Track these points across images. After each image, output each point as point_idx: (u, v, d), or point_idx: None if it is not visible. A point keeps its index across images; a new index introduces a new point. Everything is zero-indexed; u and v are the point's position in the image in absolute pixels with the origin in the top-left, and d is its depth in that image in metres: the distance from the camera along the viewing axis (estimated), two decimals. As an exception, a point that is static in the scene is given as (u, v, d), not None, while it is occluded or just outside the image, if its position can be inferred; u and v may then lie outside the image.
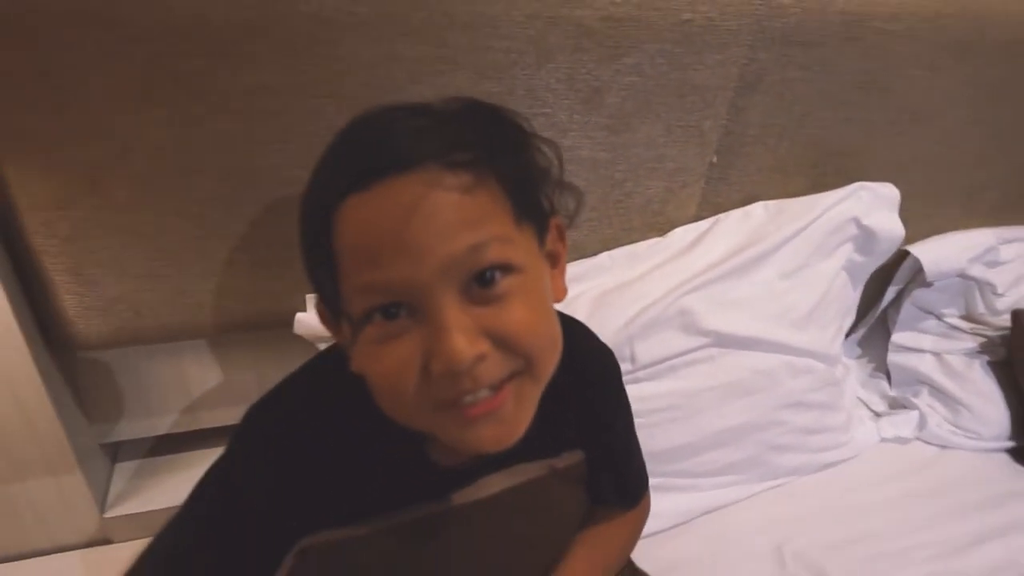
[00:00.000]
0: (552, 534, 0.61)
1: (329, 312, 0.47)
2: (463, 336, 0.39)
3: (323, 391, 0.52)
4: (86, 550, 0.83)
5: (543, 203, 0.49)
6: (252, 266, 0.72)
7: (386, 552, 0.52)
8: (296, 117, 0.64)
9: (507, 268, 0.42)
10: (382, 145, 0.41)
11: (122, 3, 0.56)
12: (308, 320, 0.73)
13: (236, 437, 0.51)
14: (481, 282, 0.41)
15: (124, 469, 0.89)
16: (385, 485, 0.51)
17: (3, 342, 0.66)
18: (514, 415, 0.44)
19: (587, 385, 0.59)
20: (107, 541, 0.84)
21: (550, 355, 0.45)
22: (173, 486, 0.87)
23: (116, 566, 0.49)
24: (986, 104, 0.94)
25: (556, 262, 0.51)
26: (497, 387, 0.42)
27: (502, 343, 0.41)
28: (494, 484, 0.54)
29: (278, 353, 0.83)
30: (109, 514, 0.83)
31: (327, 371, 0.53)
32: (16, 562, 0.80)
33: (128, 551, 0.51)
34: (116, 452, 0.91)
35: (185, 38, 0.58)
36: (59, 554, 0.82)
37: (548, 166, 0.49)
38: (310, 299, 0.75)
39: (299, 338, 0.77)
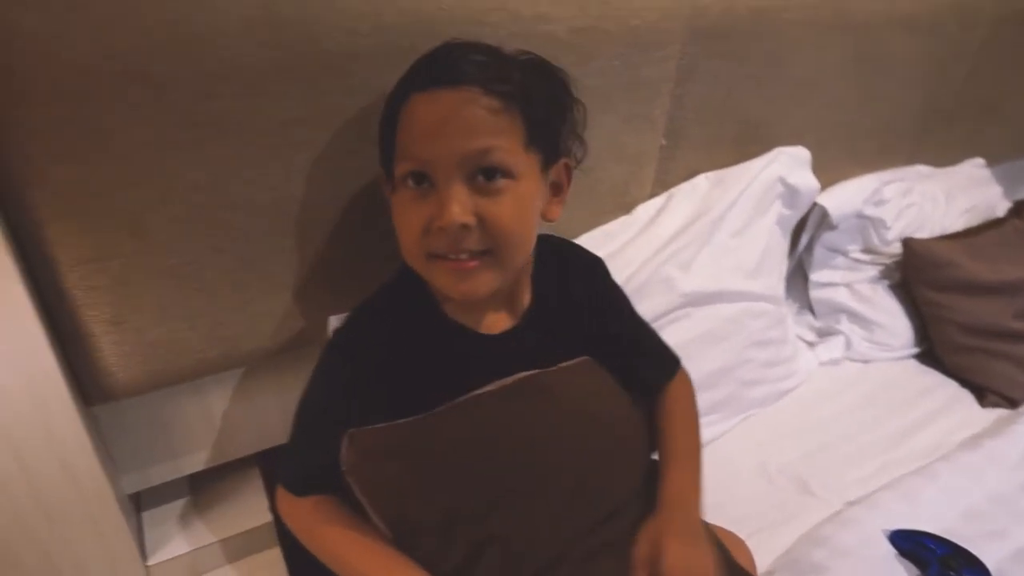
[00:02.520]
0: (590, 409, 0.69)
1: (387, 184, 0.64)
2: (458, 206, 0.55)
3: (389, 300, 0.68)
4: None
5: (557, 143, 0.63)
6: (281, 291, 0.76)
7: (430, 432, 0.62)
8: (324, 146, 0.69)
9: (507, 173, 0.57)
10: (444, 65, 0.57)
11: (157, 57, 0.59)
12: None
13: (333, 334, 0.68)
14: (486, 175, 0.56)
15: (152, 516, 0.89)
16: (433, 362, 0.65)
17: (49, 401, 0.66)
18: (477, 281, 0.59)
19: (588, 281, 0.74)
20: (151, 591, 0.84)
21: (517, 249, 0.60)
22: (204, 522, 0.89)
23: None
24: (858, 71, 1.14)
25: (558, 192, 0.67)
26: (472, 256, 0.58)
27: (484, 224, 0.57)
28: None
29: (299, 377, 0.87)
30: (152, 561, 0.83)
31: (388, 289, 0.69)
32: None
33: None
34: (139, 500, 0.90)
35: (218, 82, 0.61)
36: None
37: (571, 120, 0.66)
38: (332, 319, 0.80)
39: (316, 357, 0.81)
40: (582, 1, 0.78)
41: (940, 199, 1.35)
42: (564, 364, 0.67)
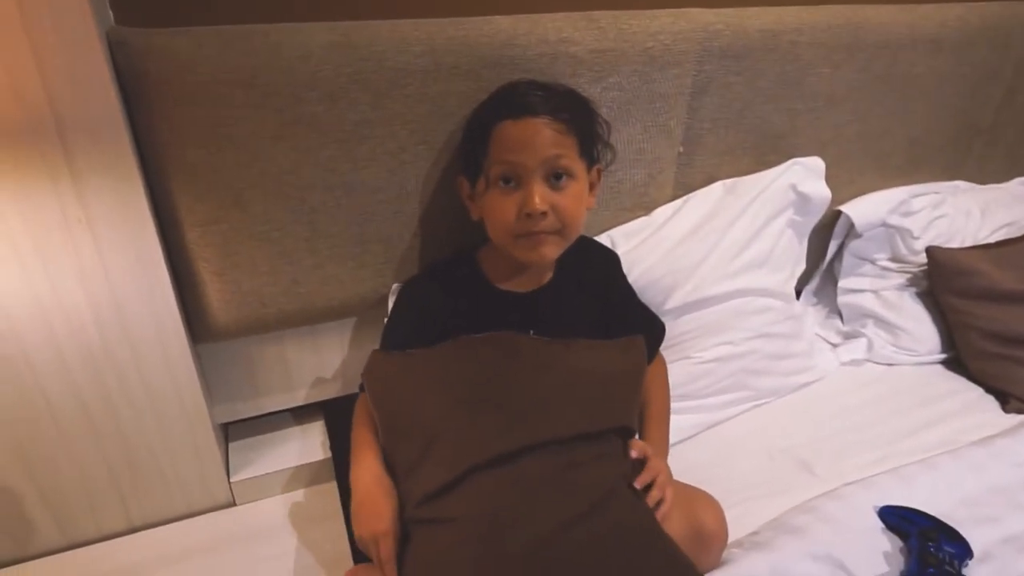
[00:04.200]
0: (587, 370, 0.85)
1: (470, 185, 0.87)
2: (540, 198, 0.80)
3: (445, 268, 0.94)
4: (217, 512, 1.02)
5: (594, 153, 0.89)
6: (347, 258, 0.94)
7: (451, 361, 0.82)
8: (380, 141, 0.87)
9: (569, 174, 0.83)
10: (524, 101, 0.82)
11: (261, 69, 0.78)
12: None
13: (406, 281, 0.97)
14: (555, 177, 0.82)
15: (237, 446, 1.08)
16: (472, 310, 0.89)
17: (168, 335, 0.86)
18: (550, 248, 0.84)
19: (604, 270, 0.99)
20: (232, 504, 1.03)
21: (575, 229, 0.86)
22: (277, 454, 1.07)
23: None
24: (878, 89, 1.22)
25: (592, 189, 0.90)
26: (547, 233, 0.82)
27: (556, 211, 0.82)
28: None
29: (359, 337, 1.05)
30: (234, 479, 1.02)
31: (446, 262, 0.95)
32: (167, 525, 0.99)
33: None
34: (227, 432, 1.10)
35: (306, 90, 0.81)
36: (202, 515, 1.00)
37: (602, 133, 0.90)
38: (395, 286, 0.98)
39: (375, 321, 0.99)
40: (601, 26, 0.93)
41: (975, 213, 1.38)
42: (543, 338, 0.85)
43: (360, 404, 0.88)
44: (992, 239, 1.37)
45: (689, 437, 1.10)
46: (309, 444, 1.09)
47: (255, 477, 1.02)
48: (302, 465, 1.05)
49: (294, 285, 0.92)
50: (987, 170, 1.48)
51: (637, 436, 0.91)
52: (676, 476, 0.87)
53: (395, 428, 0.80)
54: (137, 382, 0.87)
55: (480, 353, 0.81)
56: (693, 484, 0.89)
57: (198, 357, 0.95)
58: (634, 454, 0.81)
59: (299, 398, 1.07)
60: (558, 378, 0.81)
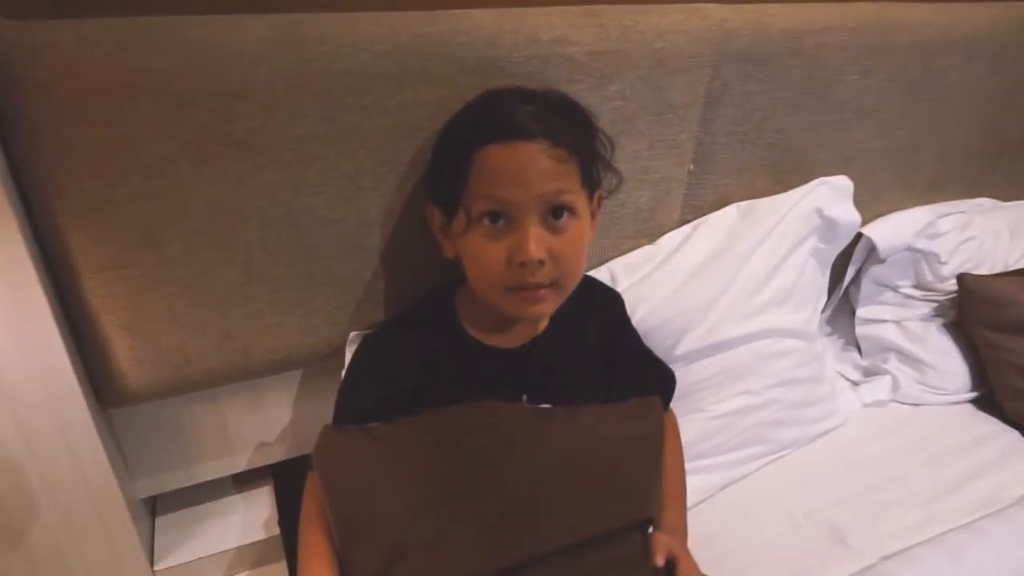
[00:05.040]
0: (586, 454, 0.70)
1: (443, 217, 0.70)
2: (537, 243, 0.64)
3: (412, 317, 0.78)
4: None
5: (595, 176, 0.72)
6: (292, 304, 0.77)
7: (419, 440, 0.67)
8: (333, 163, 0.70)
9: (571, 210, 0.67)
10: (514, 120, 0.64)
11: (176, 73, 0.61)
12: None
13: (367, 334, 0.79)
14: (554, 214, 0.66)
15: (165, 521, 0.91)
16: (448, 372, 0.72)
17: (63, 400, 0.69)
18: (546, 306, 0.69)
19: (606, 314, 0.83)
20: (157, 595, 0.86)
21: (576, 278, 0.71)
22: (215, 531, 0.90)
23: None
24: (909, 98, 1.08)
25: (593, 217, 0.75)
26: (543, 287, 0.66)
27: (554, 259, 0.65)
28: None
29: (310, 391, 0.88)
30: (159, 567, 0.84)
31: (415, 309, 0.79)
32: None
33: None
34: (155, 505, 0.92)
35: (237, 100, 0.64)
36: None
37: (604, 152, 0.74)
38: (353, 335, 0.82)
39: (329, 372, 0.82)
40: (603, 23, 0.78)
41: (1004, 234, 1.26)
42: (538, 407, 0.70)
43: (310, 491, 0.71)
44: (1023, 263, 1.25)
45: (702, 501, 0.95)
46: (254, 516, 0.92)
47: (185, 564, 0.85)
48: (245, 545, 0.88)
49: (226, 338, 0.75)
50: (1011, 186, 1.36)
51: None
52: (690, 546, 0.74)
53: (352, 531, 0.63)
54: (25, 453, 0.69)
55: (458, 431, 0.65)
56: (711, 556, 0.76)
57: (109, 424, 0.78)
58: (660, 560, 0.65)
59: (240, 463, 0.90)
60: (558, 461, 0.66)
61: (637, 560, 0.64)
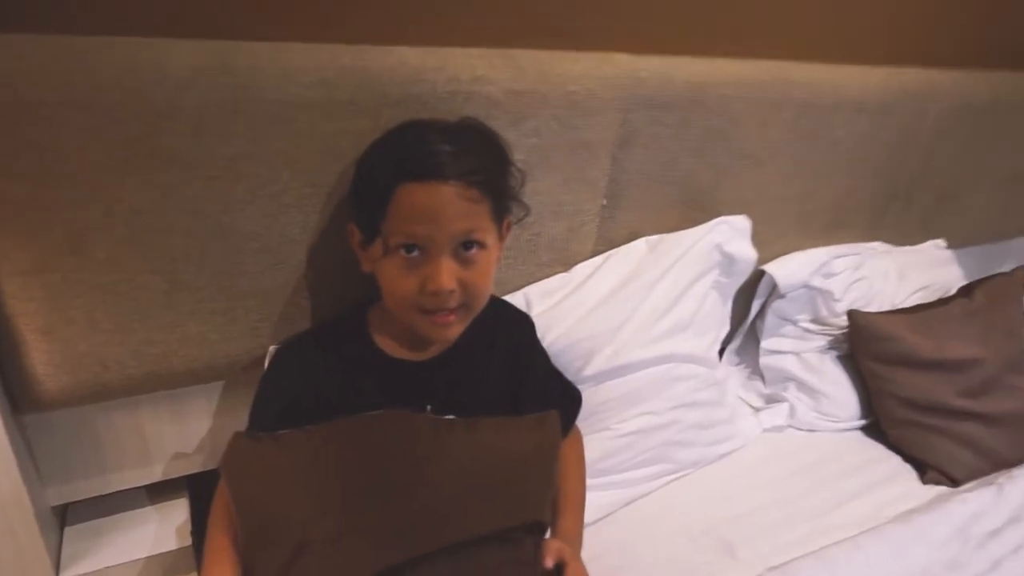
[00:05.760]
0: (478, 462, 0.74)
1: (362, 236, 0.74)
2: (448, 275, 0.69)
3: (326, 330, 0.83)
4: (40, 616, 0.83)
5: (507, 207, 0.78)
6: (213, 314, 0.80)
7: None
8: (260, 182, 0.74)
9: (481, 244, 0.72)
10: (430, 161, 0.68)
11: (103, 90, 0.65)
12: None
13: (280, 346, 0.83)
14: (465, 247, 0.71)
15: (75, 531, 0.90)
16: (357, 383, 0.77)
17: (-27, 403, 0.69)
18: (454, 328, 0.75)
19: (515, 334, 0.88)
20: (60, 605, 0.85)
21: (483, 302, 0.77)
22: (124, 541, 0.90)
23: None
24: (805, 149, 1.19)
25: (501, 241, 0.80)
26: (452, 311, 0.72)
27: (464, 287, 0.72)
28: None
29: (230, 403, 0.90)
30: (64, 575, 0.84)
31: (330, 324, 0.84)
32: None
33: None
34: (65, 513, 0.92)
35: (164, 118, 0.67)
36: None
37: (515, 184, 0.80)
38: (272, 349, 0.85)
39: (249, 385, 0.85)
40: (520, 65, 0.85)
41: (892, 276, 1.37)
42: (441, 417, 0.74)
43: (218, 499, 0.73)
44: (908, 303, 1.37)
45: (605, 516, 1.00)
46: (166, 527, 0.92)
47: (91, 573, 0.85)
48: (155, 556, 0.88)
49: (146, 345, 0.77)
50: (905, 233, 1.49)
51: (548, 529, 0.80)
52: (591, 559, 0.78)
53: (256, 532, 0.66)
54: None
55: (363, 437, 0.69)
56: (610, 568, 0.81)
57: (22, 429, 0.78)
58: (549, 563, 0.70)
59: (156, 473, 0.91)
60: (458, 466, 0.70)
61: (527, 561, 0.68)
